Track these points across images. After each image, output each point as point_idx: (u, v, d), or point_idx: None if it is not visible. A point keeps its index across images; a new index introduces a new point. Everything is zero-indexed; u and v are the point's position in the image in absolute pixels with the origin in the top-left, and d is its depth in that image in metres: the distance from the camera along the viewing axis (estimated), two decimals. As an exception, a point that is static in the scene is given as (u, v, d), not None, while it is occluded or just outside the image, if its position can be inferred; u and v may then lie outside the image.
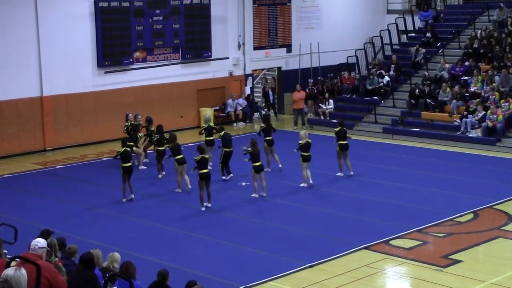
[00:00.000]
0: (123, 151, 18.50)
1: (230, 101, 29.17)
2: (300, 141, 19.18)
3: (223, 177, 20.04)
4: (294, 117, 28.28)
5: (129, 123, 22.19)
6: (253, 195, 18.48)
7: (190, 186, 18.87)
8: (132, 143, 20.73)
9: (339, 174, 20.38)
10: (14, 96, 23.67)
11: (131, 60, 26.18)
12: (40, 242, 7.85)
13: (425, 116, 26.11)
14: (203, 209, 17.43)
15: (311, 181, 19.28)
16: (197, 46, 28.00)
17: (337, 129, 20.29)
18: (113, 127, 25.34)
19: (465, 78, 26.56)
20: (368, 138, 25.59)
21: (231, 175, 20.14)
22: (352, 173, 20.30)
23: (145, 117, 22.44)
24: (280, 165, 21.02)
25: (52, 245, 9.82)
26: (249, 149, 18.24)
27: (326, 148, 21.85)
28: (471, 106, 24.91)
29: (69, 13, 24.63)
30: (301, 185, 19.33)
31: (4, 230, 10.45)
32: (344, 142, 20.07)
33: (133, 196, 18.45)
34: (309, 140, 19.24)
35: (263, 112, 30.35)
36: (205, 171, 17.37)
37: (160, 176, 20.66)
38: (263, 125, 21.44)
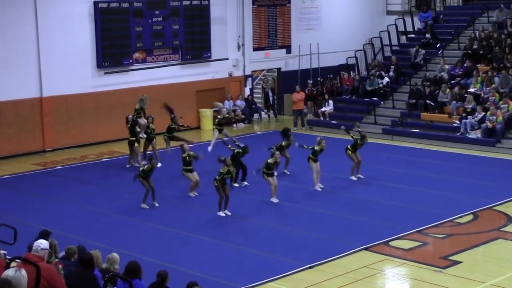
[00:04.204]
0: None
1: (225, 102, 29.13)
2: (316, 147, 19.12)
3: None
4: (294, 118, 28.30)
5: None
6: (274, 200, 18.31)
7: (196, 194, 18.92)
8: (134, 139, 20.81)
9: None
10: (13, 96, 23.64)
11: (130, 61, 26.17)
12: (43, 243, 7.83)
13: (424, 117, 26.10)
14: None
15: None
16: (196, 47, 28.00)
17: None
18: (113, 128, 25.35)
19: (459, 78, 26.55)
20: (368, 139, 25.49)
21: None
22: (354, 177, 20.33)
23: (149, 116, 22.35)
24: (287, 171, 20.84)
25: (53, 246, 9.82)
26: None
27: (327, 149, 21.73)
28: (467, 106, 24.92)
29: (69, 13, 24.62)
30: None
31: (3, 230, 10.46)
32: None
33: (156, 204, 18.03)
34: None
35: (263, 113, 30.36)
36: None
37: None
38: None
